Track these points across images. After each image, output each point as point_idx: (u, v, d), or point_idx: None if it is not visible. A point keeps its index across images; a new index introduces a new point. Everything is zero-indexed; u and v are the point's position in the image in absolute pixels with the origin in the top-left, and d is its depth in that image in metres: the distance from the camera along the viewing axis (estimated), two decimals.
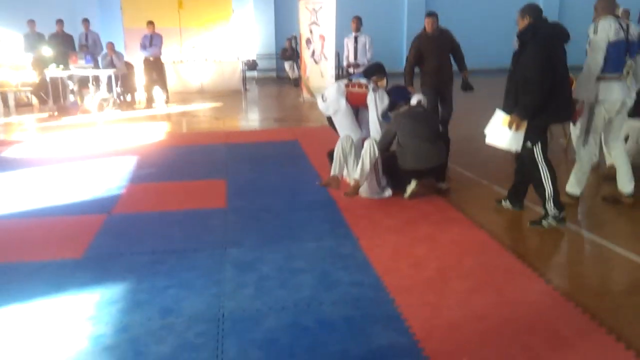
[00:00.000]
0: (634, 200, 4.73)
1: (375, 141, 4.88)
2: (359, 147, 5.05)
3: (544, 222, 4.29)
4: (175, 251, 3.95)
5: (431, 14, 6.59)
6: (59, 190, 5.51)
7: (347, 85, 5.36)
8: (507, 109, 4.23)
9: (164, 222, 4.56)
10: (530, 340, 2.74)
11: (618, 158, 4.86)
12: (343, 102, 5.28)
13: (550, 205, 4.26)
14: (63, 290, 3.36)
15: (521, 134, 4.17)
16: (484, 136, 4.47)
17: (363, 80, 5.36)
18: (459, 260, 3.72)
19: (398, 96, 5.27)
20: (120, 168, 6.34)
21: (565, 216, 4.30)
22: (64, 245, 4.09)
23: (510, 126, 4.16)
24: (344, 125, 5.36)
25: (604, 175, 5.68)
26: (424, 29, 6.50)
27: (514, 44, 4.30)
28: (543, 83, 4.00)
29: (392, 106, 5.18)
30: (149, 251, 3.96)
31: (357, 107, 5.36)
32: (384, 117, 5.18)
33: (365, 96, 5.19)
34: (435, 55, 6.45)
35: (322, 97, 5.46)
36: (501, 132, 4.25)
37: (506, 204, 4.72)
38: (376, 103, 5.12)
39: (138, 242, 4.14)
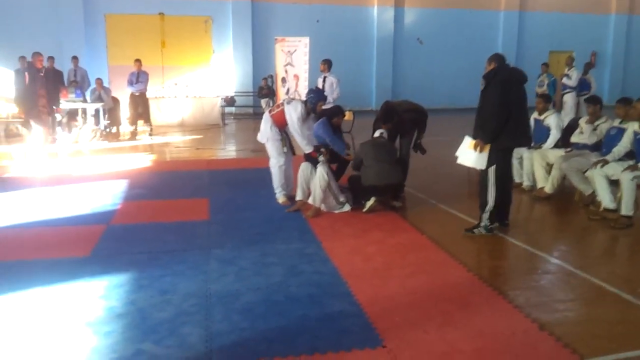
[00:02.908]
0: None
1: (324, 171, 5.75)
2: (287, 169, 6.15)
3: (476, 230, 5.21)
4: (168, 251, 4.73)
5: (385, 118, 6.43)
6: (60, 207, 6.24)
7: (269, 112, 6.31)
8: (475, 136, 5.15)
9: (157, 230, 5.34)
10: (447, 306, 3.62)
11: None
12: (269, 129, 6.16)
13: (485, 217, 5.18)
14: (77, 278, 4.11)
15: (485, 155, 5.06)
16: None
17: (280, 101, 6.28)
18: (402, 256, 4.60)
19: (315, 97, 6.16)
20: (113, 189, 7.09)
21: (494, 228, 5.21)
22: (73, 247, 4.85)
23: (475, 148, 5.07)
24: (271, 151, 6.25)
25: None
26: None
27: (482, 84, 5.25)
28: (500, 114, 4.93)
29: (312, 107, 6.06)
30: (146, 251, 4.73)
31: (284, 125, 6.15)
32: (305, 121, 6.00)
33: (283, 113, 6.08)
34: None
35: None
36: (468, 154, 5.15)
37: (490, 226, 5.23)
38: (290, 113, 5.97)
39: (136, 245, 4.91)
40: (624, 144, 5.68)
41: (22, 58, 12.90)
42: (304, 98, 12.24)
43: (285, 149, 6.23)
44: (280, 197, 6.29)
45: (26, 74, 8.63)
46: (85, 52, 16.34)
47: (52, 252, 4.73)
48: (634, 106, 5.58)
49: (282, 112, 6.08)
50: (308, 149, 5.97)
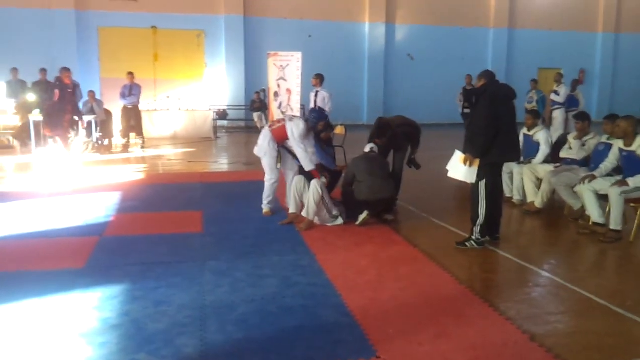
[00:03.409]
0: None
1: (318, 184, 5.79)
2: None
3: (467, 243, 5.28)
4: (162, 263, 4.75)
5: (379, 134, 6.53)
6: (54, 218, 6.24)
7: (269, 126, 6.36)
8: (465, 150, 5.22)
9: (150, 242, 5.35)
10: (440, 318, 3.67)
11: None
12: (267, 145, 6.18)
13: (476, 230, 5.25)
14: (71, 289, 4.12)
15: (475, 169, 5.14)
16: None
17: (281, 116, 6.34)
18: (394, 269, 4.64)
19: (316, 117, 6.25)
20: (106, 201, 7.09)
21: (485, 242, 5.28)
22: (67, 258, 4.86)
23: (465, 163, 5.15)
24: (267, 166, 6.28)
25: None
26: None
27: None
28: (489, 129, 5.02)
29: (313, 126, 6.14)
30: (139, 263, 4.74)
31: (283, 140, 6.19)
32: (306, 137, 6.00)
33: (284, 128, 6.11)
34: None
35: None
36: (459, 168, 5.22)
37: (482, 239, 5.30)
38: (292, 129, 6.01)
39: (130, 257, 4.92)
40: (611, 161, 5.79)
41: (14, 69, 12.96)
42: (296, 112, 12.47)
43: (278, 166, 6.29)
44: (265, 208, 6.40)
45: (56, 91, 8.71)
46: (78, 64, 16.40)
47: (46, 263, 4.73)
48: (617, 124, 5.68)
49: (283, 127, 6.11)
50: (309, 167, 5.96)
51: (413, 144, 6.80)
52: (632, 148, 5.51)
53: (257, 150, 6.39)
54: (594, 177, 5.76)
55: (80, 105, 12.61)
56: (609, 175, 5.80)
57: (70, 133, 9.49)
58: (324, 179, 5.97)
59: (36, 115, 11.23)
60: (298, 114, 12.79)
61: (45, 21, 16.78)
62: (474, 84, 11.99)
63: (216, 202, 7.19)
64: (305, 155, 5.97)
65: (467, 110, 12.34)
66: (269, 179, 6.30)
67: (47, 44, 16.64)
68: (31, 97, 11.89)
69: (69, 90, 8.93)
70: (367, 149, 6.31)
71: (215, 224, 6.04)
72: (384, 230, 5.88)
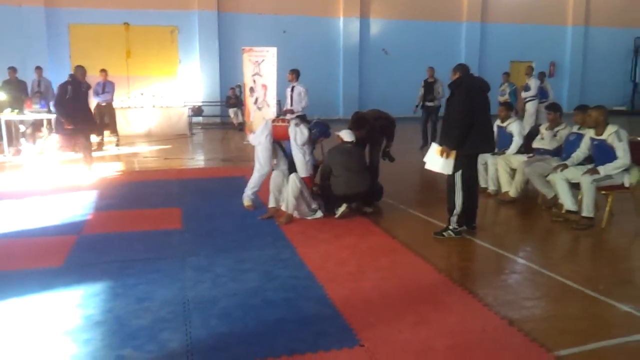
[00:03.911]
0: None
1: (297, 179, 5.84)
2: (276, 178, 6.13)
3: (445, 233, 5.37)
4: (141, 260, 4.73)
5: (357, 123, 6.54)
6: (29, 218, 6.15)
7: (273, 121, 6.39)
8: (441, 142, 5.30)
9: (129, 240, 5.32)
10: (420, 306, 3.74)
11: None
12: (264, 137, 6.21)
13: (453, 220, 5.35)
14: (52, 288, 4.08)
15: (451, 160, 5.22)
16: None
17: (288, 117, 6.39)
18: (374, 260, 4.70)
19: (319, 131, 6.29)
20: (81, 200, 7.02)
21: (462, 231, 5.38)
22: (45, 257, 4.80)
23: (441, 154, 5.22)
24: (260, 157, 6.28)
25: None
26: None
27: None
28: (464, 121, 5.11)
29: (314, 139, 6.20)
30: (119, 260, 4.72)
31: (281, 139, 6.27)
32: (306, 145, 6.04)
33: (286, 129, 6.14)
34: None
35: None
36: (436, 160, 5.30)
37: (459, 229, 5.41)
38: (296, 135, 6.03)
39: (108, 254, 4.88)
40: (582, 150, 5.94)
41: (12, 69, 12.57)
42: (272, 108, 12.44)
43: (275, 161, 6.31)
44: (246, 200, 6.40)
45: (69, 87, 8.38)
46: (49, 62, 16.13)
47: (24, 263, 4.68)
48: (589, 114, 5.82)
49: (286, 129, 6.10)
50: (304, 174, 5.97)
51: (388, 137, 6.86)
52: (603, 137, 5.66)
53: (252, 138, 6.44)
54: (565, 166, 5.90)
55: (52, 104, 12.42)
56: (580, 164, 5.95)
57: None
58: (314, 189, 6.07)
59: (8, 115, 11.03)
60: (274, 109, 12.79)
61: (14, 18, 16.45)
62: (436, 77, 12.10)
63: (194, 198, 7.17)
64: (304, 162, 5.99)
65: (429, 104, 12.03)
66: (259, 169, 6.28)
67: (17, 42, 16.32)
68: (1, 96, 11.66)
69: (83, 90, 8.70)
70: (345, 136, 6.25)
71: (194, 220, 6.03)
72: (363, 222, 5.94)
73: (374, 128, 6.60)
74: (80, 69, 8.60)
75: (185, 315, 3.61)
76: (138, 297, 3.91)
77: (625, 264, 4.86)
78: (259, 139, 6.29)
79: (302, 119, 6.63)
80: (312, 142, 6.17)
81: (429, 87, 12.03)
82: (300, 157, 6.00)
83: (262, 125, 6.35)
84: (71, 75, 8.73)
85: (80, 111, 8.47)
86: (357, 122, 6.54)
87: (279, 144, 6.39)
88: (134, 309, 3.70)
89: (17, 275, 4.35)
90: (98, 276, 4.33)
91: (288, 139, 6.13)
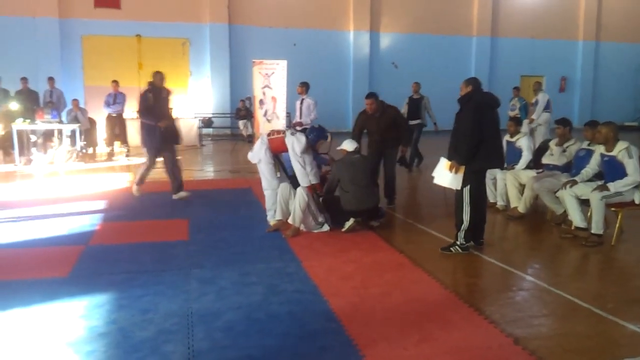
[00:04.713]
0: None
1: (304, 192, 5.82)
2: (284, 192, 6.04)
3: (452, 249, 5.33)
4: (146, 271, 4.73)
5: (369, 96, 6.98)
6: (38, 228, 6.19)
7: (268, 135, 6.39)
8: (450, 157, 5.28)
9: (135, 251, 5.33)
10: (425, 322, 3.70)
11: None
12: (262, 152, 6.23)
13: (461, 235, 5.31)
14: (56, 298, 4.10)
15: (460, 175, 5.20)
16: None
17: (282, 128, 6.38)
18: (380, 275, 4.67)
19: (316, 136, 6.27)
20: (90, 210, 7.06)
21: (470, 246, 5.34)
22: (51, 268, 4.83)
23: (450, 169, 5.21)
24: (264, 172, 6.30)
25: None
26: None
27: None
28: (473, 137, 5.10)
29: (313, 145, 6.17)
30: (124, 271, 4.73)
31: (280, 151, 6.26)
32: (305, 154, 6.02)
33: (283, 140, 6.12)
34: (376, 131, 7.03)
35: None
36: (444, 174, 5.28)
37: (466, 244, 5.36)
38: (293, 144, 6.03)
39: (114, 266, 4.89)
40: (592, 166, 5.89)
41: (24, 79, 12.72)
42: (282, 120, 12.49)
43: (278, 174, 6.32)
44: (272, 221, 6.21)
45: (149, 95, 7.58)
46: (61, 73, 16.31)
47: (30, 272, 4.70)
48: (599, 130, 5.77)
49: (282, 140, 6.12)
50: (305, 183, 5.95)
51: (403, 135, 7.02)
52: (613, 153, 5.62)
53: (251, 156, 6.43)
54: (575, 182, 5.85)
55: (64, 114, 12.56)
56: (590, 180, 5.90)
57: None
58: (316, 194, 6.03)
59: (20, 124, 11.16)
60: (284, 121, 12.83)
61: (29, 29, 16.68)
62: (421, 93, 11.18)
63: (202, 210, 7.18)
64: (303, 171, 5.98)
65: (412, 122, 10.35)
66: (267, 187, 6.29)
67: (30, 53, 16.54)
68: (14, 105, 11.79)
69: (164, 96, 7.82)
70: (350, 147, 6.21)
71: (201, 232, 6.03)
72: (369, 236, 5.91)
73: (387, 115, 6.88)
74: (159, 75, 7.86)
75: (189, 327, 3.60)
76: (142, 309, 3.90)
77: (635, 282, 4.79)
78: (258, 156, 6.30)
79: (322, 132, 6.60)
80: (311, 148, 6.15)
81: (414, 103, 11.02)
82: (299, 167, 5.99)
83: (259, 142, 6.37)
84: (150, 83, 7.86)
85: (163, 117, 7.60)
86: (369, 93, 6.81)
87: (278, 158, 6.38)
88: (137, 321, 3.70)
89: (23, 285, 4.37)
90: (103, 287, 4.33)
91: (286, 150, 6.12)
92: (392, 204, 7.30)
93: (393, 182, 7.25)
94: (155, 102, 7.61)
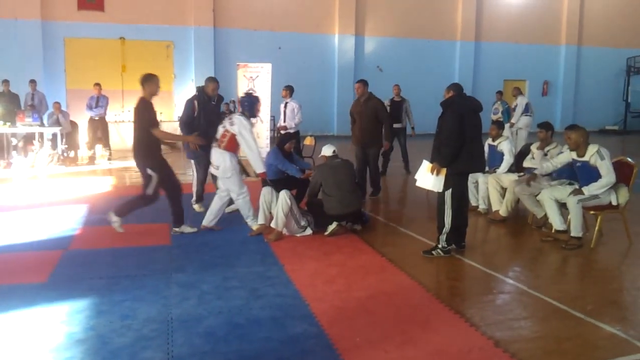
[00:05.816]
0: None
1: (287, 195, 5.80)
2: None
3: (434, 252, 5.35)
4: (127, 276, 4.69)
5: (360, 80, 7.72)
6: (16, 232, 6.11)
7: (219, 145, 6.07)
8: (432, 160, 5.31)
9: (116, 255, 5.28)
10: (406, 326, 3.72)
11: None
12: (228, 162, 5.99)
13: (442, 239, 5.34)
14: (35, 304, 4.04)
15: (442, 178, 5.23)
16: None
17: (221, 129, 6.08)
18: (362, 278, 4.68)
19: (249, 102, 6.16)
20: (71, 214, 6.97)
21: (451, 250, 5.37)
22: (30, 273, 4.76)
23: (432, 172, 5.23)
24: (232, 185, 6.07)
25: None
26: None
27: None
28: (455, 140, 5.13)
29: (249, 110, 6.09)
30: (104, 276, 4.68)
31: (235, 148, 6.06)
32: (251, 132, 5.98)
33: (231, 136, 5.96)
34: (360, 118, 7.44)
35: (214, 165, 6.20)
36: (426, 177, 5.31)
37: (448, 248, 5.39)
38: (240, 130, 5.90)
39: (94, 270, 4.84)
40: (555, 162, 6.05)
41: (5, 82, 12.55)
42: (266, 123, 12.45)
43: (243, 177, 6.27)
44: (254, 225, 6.12)
45: (195, 102, 6.96)
46: (43, 75, 16.11)
47: (9, 278, 4.63)
48: (568, 136, 5.75)
49: (232, 136, 5.96)
50: (260, 169, 5.97)
51: (385, 135, 7.43)
52: (585, 158, 5.66)
53: (221, 173, 6.11)
54: (535, 176, 6.17)
55: (46, 117, 12.42)
56: (570, 184, 5.97)
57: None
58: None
59: (0, 127, 11.01)
60: (268, 125, 12.83)
61: (10, 31, 16.45)
62: (402, 95, 11.07)
63: (185, 213, 7.10)
64: (257, 156, 5.94)
65: (395, 125, 10.08)
66: (239, 193, 6.09)
67: (12, 55, 16.31)
68: None
69: (213, 103, 7.08)
70: (329, 151, 6.23)
71: (183, 236, 5.99)
72: (352, 239, 5.91)
73: (372, 99, 7.47)
74: (212, 82, 7.07)
75: (168, 333, 3.57)
76: (122, 315, 3.86)
77: (613, 285, 4.85)
78: (230, 171, 6.02)
79: (290, 135, 6.62)
80: (283, 150, 6.34)
81: (395, 106, 10.84)
82: (252, 153, 5.92)
83: (218, 156, 6.06)
84: (199, 89, 7.22)
85: (211, 128, 6.54)
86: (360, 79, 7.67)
87: (241, 166, 6.34)
88: (117, 327, 3.66)
89: (1, 291, 4.29)
90: (83, 292, 4.28)
91: (238, 144, 6.02)
92: (377, 194, 7.73)
93: (377, 176, 7.70)
94: (200, 112, 6.94)
